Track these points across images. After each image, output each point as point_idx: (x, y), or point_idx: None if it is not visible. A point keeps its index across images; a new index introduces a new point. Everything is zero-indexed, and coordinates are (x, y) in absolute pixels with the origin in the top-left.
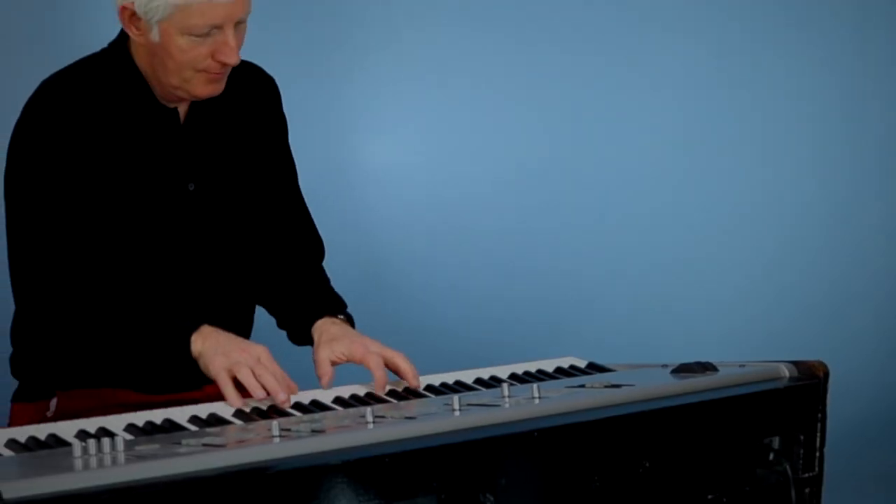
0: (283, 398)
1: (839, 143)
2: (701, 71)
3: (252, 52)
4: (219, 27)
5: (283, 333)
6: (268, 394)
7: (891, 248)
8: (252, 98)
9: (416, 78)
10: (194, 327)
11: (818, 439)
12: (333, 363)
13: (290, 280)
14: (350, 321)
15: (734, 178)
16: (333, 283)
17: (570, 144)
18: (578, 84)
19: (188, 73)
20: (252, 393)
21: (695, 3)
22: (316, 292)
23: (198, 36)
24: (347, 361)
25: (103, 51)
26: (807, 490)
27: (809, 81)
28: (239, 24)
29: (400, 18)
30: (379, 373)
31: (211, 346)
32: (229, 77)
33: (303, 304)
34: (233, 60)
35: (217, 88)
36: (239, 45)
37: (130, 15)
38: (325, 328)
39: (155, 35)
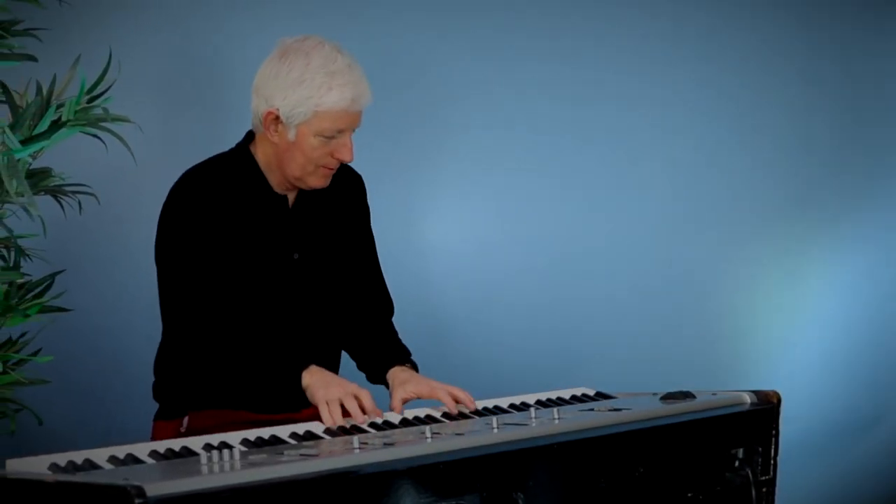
0: (360, 420)
1: (789, 216)
2: (684, 156)
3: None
4: (341, 132)
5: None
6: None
7: (834, 302)
8: (344, 190)
9: (469, 178)
10: (305, 365)
11: (773, 450)
12: (405, 400)
13: (367, 334)
14: (415, 367)
15: (710, 250)
16: (402, 335)
17: (584, 226)
18: (592, 180)
19: (310, 168)
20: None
21: (689, 96)
22: (388, 345)
23: (326, 137)
24: (416, 398)
25: (231, 150)
26: (764, 490)
27: (762, 170)
28: (352, 133)
29: (456, 128)
30: (447, 399)
31: (316, 381)
32: None
33: (378, 354)
34: (348, 159)
35: (326, 183)
36: (352, 153)
37: (274, 118)
38: (397, 374)
39: (292, 135)
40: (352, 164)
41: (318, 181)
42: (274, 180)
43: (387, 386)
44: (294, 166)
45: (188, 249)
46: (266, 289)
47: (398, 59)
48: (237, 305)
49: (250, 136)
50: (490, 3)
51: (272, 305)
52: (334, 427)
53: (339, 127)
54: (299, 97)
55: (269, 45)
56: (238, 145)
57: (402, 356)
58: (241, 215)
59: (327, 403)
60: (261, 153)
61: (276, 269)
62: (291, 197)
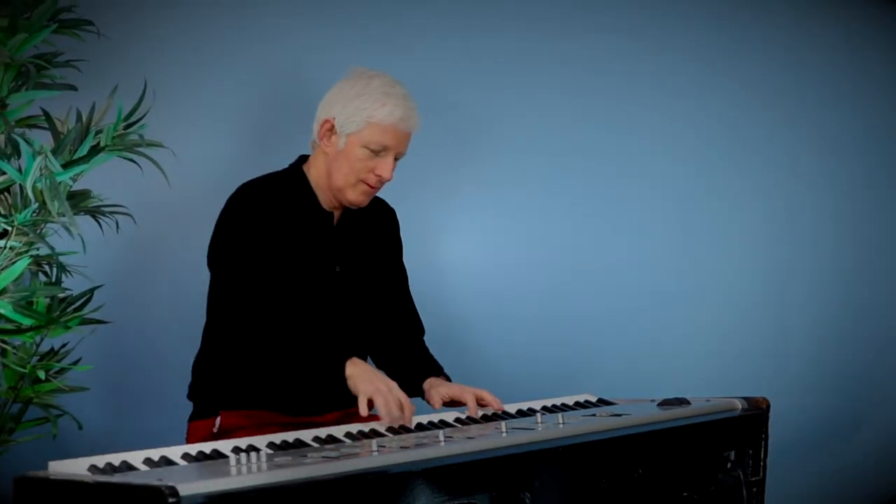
0: (401, 421)
1: (776, 233)
2: (682, 180)
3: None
4: (387, 150)
5: None
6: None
7: (818, 315)
8: (381, 220)
9: (483, 199)
10: (348, 356)
11: (762, 453)
12: (443, 399)
13: (402, 352)
14: (448, 379)
15: (702, 266)
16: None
17: (587, 246)
18: (596, 202)
19: (353, 179)
20: (381, 415)
21: (688, 125)
22: (423, 360)
23: (371, 151)
24: (451, 399)
25: (285, 169)
26: (754, 489)
27: (752, 191)
28: (396, 158)
29: (472, 150)
30: (471, 402)
31: (360, 372)
32: (369, 203)
33: (414, 368)
34: (388, 176)
35: (365, 200)
36: (392, 173)
37: (329, 128)
38: (433, 382)
39: (342, 143)
40: (387, 193)
41: (357, 197)
42: (323, 198)
43: (422, 396)
44: (339, 175)
45: (243, 254)
46: (309, 296)
47: (421, 86)
48: (283, 309)
49: (303, 158)
50: (508, 39)
51: (314, 311)
52: (393, 421)
53: (385, 142)
54: (355, 107)
55: (296, 74)
56: (292, 165)
57: (437, 369)
58: (291, 227)
59: (381, 395)
60: (314, 170)
61: (319, 280)
62: (337, 215)
